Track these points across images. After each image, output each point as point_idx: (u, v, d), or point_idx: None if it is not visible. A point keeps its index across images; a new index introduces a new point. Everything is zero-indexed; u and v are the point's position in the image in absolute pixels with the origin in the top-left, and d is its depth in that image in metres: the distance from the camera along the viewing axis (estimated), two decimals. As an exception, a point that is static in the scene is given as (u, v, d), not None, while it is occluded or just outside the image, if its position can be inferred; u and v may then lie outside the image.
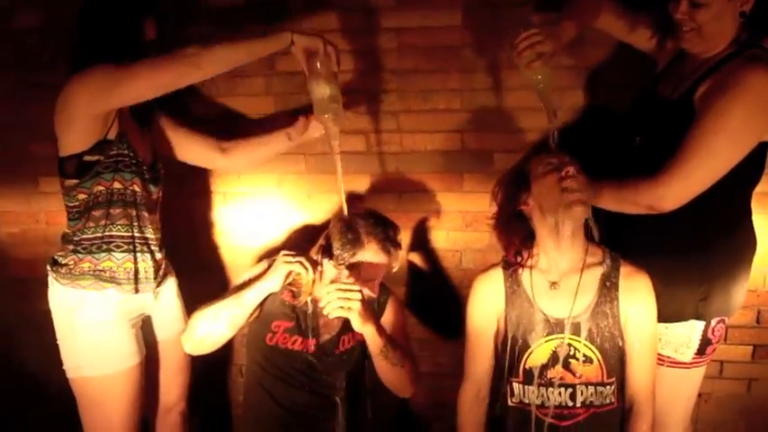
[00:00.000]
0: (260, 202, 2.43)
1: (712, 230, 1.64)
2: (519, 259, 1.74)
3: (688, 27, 1.58)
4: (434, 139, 2.27)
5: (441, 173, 2.29)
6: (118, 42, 1.75)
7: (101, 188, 1.79)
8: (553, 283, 1.69)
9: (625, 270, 1.69)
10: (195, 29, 2.23)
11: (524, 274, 1.73)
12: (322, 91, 1.81)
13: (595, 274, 1.69)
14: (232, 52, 1.75)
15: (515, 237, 1.74)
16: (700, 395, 2.32)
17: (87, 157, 1.76)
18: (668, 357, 1.78)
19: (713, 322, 1.75)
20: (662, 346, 1.77)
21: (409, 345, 2.01)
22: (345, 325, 1.85)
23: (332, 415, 1.89)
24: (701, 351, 1.77)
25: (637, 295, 1.67)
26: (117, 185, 1.80)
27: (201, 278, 2.08)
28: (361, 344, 1.86)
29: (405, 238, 2.35)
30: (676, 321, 1.74)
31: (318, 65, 1.80)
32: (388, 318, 1.95)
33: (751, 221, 1.76)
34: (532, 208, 1.69)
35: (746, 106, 1.49)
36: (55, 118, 1.75)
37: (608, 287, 1.67)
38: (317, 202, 2.38)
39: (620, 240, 1.75)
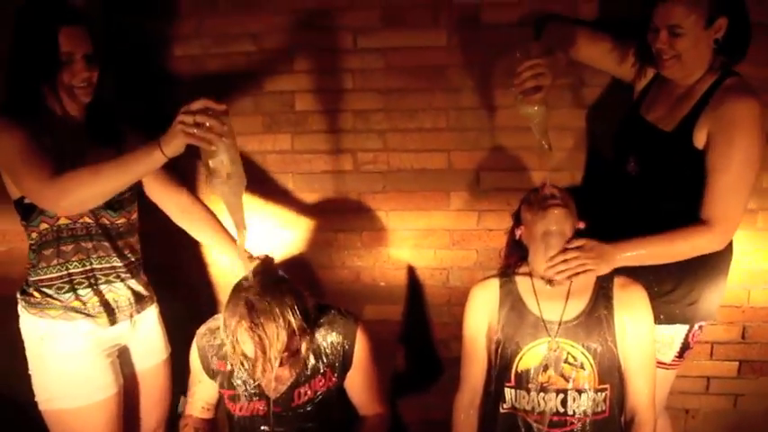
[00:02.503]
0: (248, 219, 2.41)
1: None
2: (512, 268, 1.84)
3: (668, 55, 1.68)
4: (421, 157, 2.28)
5: (427, 191, 2.30)
6: (35, 57, 1.63)
7: (45, 226, 1.72)
8: (549, 281, 1.72)
9: (619, 281, 1.73)
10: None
11: (521, 280, 1.80)
12: (211, 166, 1.49)
13: (589, 282, 1.73)
14: (102, 181, 1.54)
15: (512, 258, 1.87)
16: (687, 411, 2.35)
17: (27, 200, 1.70)
18: None
19: (696, 327, 1.84)
20: None
21: (383, 390, 1.93)
22: (300, 377, 1.77)
23: None
24: (680, 354, 1.86)
25: (633, 306, 1.70)
26: (63, 221, 1.72)
27: (188, 297, 2.07)
28: (325, 393, 1.79)
29: (392, 256, 2.38)
30: (664, 324, 1.81)
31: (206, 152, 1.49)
32: (358, 363, 1.82)
33: None
34: (523, 232, 1.79)
35: (754, 133, 1.62)
36: None
37: (602, 295, 1.72)
38: (305, 220, 2.39)
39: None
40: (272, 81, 2.28)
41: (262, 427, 1.79)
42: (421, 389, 2.48)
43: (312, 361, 1.78)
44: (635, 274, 1.75)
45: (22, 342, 2.01)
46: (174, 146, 1.47)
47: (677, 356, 1.86)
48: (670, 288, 1.79)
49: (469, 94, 2.21)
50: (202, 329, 1.85)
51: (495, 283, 1.83)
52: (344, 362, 1.81)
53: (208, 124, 1.42)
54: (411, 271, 2.39)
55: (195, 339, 1.85)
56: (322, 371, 1.79)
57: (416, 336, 2.45)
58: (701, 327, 1.85)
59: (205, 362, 1.82)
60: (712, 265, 1.79)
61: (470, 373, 1.83)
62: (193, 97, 1.46)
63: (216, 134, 1.43)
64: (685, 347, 1.85)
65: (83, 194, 1.56)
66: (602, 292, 1.72)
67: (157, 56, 2.28)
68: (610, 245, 1.69)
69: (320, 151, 2.32)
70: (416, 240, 2.36)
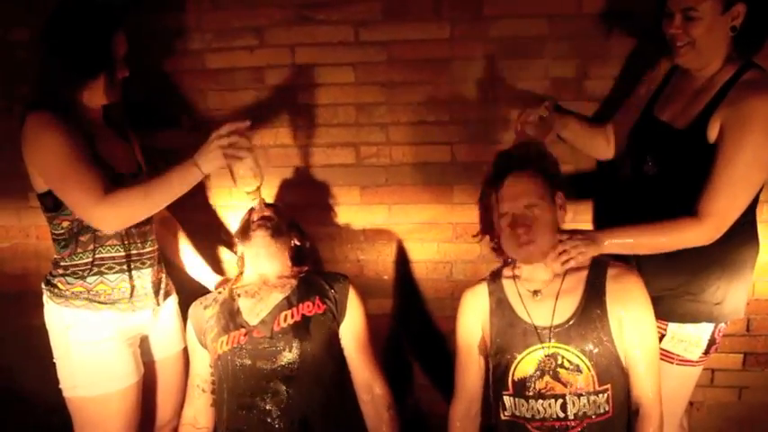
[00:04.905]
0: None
1: (731, 237, 1.68)
2: (504, 269, 1.80)
3: (683, 42, 1.64)
4: (424, 151, 2.27)
5: (430, 185, 2.30)
6: (87, 59, 1.71)
7: None
8: (535, 292, 1.70)
9: (612, 272, 1.68)
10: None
11: (508, 285, 1.75)
12: (241, 173, 1.74)
13: (580, 279, 1.68)
14: (150, 202, 1.70)
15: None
16: (692, 404, 2.34)
17: None
18: (678, 355, 1.81)
19: (722, 324, 1.80)
20: (674, 344, 1.79)
21: (378, 359, 1.93)
22: (288, 301, 1.84)
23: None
24: (707, 351, 1.81)
25: (627, 297, 1.64)
26: None
27: (198, 293, 2.08)
28: (312, 319, 1.81)
29: (395, 249, 2.38)
30: (690, 322, 1.77)
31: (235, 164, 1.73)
32: (353, 317, 1.88)
33: (756, 226, 1.81)
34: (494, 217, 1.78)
35: (766, 133, 1.57)
36: (24, 157, 1.73)
37: (593, 291, 1.66)
38: (307, 214, 2.38)
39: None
40: (273, 75, 2.27)
41: (243, 361, 1.78)
42: (425, 382, 2.48)
43: (302, 289, 1.87)
44: (662, 272, 1.72)
45: (28, 338, 2.04)
46: (213, 165, 1.67)
47: (704, 354, 1.81)
48: (696, 289, 1.75)
49: (472, 87, 2.21)
50: (194, 303, 1.97)
51: (484, 290, 1.79)
52: (337, 303, 1.87)
53: (239, 144, 1.66)
54: (414, 264, 2.39)
55: (189, 314, 1.95)
56: (311, 298, 1.85)
57: (420, 329, 2.45)
58: (727, 322, 1.81)
59: (197, 327, 1.89)
60: (737, 260, 1.75)
61: (466, 381, 1.80)
62: (220, 123, 1.69)
63: (244, 148, 1.67)
64: (711, 344, 1.80)
65: (133, 214, 1.71)
66: (594, 290, 1.66)
67: (158, 50, 2.28)
68: (598, 231, 1.68)
69: (322, 145, 2.32)
70: (419, 234, 2.36)
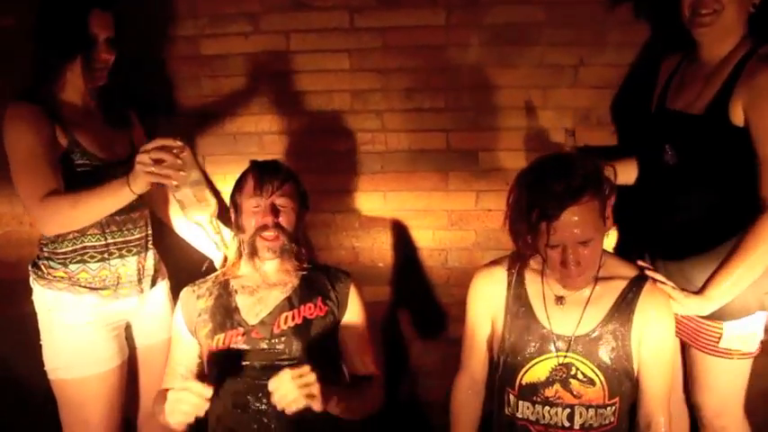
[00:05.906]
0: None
1: None
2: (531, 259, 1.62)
3: (710, 9, 1.61)
4: (419, 138, 2.27)
5: (426, 172, 2.30)
6: (61, 39, 1.70)
7: None
8: (560, 298, 1.58)
9: (649, 288, 1.58)
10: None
11: (532, 282, 1.62)
12: (177, 198, 1.62)
13: (612, 289, 1.58)
14: (79, 213, 1.66)
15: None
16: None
17: None
18: (737, 350, 1.74)
19: None
20: (732, 342, 1.73)
21: (375, 351, 1.88)
22: (289, 302, 1.75)
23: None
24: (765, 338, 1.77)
25: (654, 315, 1.55)
26: None
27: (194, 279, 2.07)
28: (313, 322, 1.74)
29: (390, 237, 2.38)
30: (743, 317, 1.71)
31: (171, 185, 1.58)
32: (353, 315, 1.81)
33: None
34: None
35: None
36: None
37: (624, 305, 1.56)
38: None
39: (679, 242, 1.75)
40: (268, 61, 2.26)
41: (240, 360, 1.71)
42: (420, 370, 2.49)
43: (304, 289, 1.79)
44: (707, 271, 1.64)
45: (22, 325, 2.03)
46: (138, 184, 1.57)
47: (761, 343, 1.75)
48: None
49: (468, 74, 2.20)
50: (186, 289, 1.86)
51: (501, 278, 1.65)
52: (338, 304, 1.80)
53: (165, 162, 1.51)
54: (409, 252, 2.39)
55: (179, 299, 1.84)
56: (313, 299, 1.77)
57: (416, 316, 2.45)
58: None
59: (188, 316, 1.80)
60: None
61: (470, 362, 1.73)
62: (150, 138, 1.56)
63: (173, 170, 1.52)
64: (766, 331, 1.74)
65: (61, 222, 1.69)
66: (625, 304, 1.55)
67: (152, 37, 2.26)
68: (699, 292, 1.62)
69: (318, 132, 2.31)
70: (415, 221, 2.36)
